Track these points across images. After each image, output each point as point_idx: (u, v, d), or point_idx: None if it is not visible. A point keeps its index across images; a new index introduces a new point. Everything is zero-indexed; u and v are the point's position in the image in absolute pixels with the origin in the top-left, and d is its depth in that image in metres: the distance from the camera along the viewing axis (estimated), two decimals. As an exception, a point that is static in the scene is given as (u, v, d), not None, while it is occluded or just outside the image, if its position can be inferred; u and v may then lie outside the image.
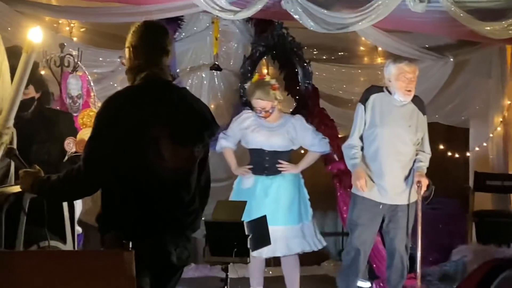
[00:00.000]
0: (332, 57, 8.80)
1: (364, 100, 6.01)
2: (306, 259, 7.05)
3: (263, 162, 6.33)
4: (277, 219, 6.17)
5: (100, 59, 7.55)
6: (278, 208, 6.29)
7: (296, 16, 6.48)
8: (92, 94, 6.37)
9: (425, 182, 5.92)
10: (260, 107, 6.21)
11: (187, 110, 3.54)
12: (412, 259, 7.90)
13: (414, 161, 6.04)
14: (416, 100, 6.14)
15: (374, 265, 6.97)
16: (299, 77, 7.08)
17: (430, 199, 8.39)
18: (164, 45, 3.64)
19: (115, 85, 7.51)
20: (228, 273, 4.33)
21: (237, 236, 4.22)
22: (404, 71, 5.99)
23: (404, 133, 5.97)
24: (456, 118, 9.53)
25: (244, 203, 4.39)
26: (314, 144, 6.37)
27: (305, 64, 7.13)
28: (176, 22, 7.28)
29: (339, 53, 8.85)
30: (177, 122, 3.47)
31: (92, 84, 6.37)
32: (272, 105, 6.18)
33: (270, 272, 8.24)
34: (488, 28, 7.00)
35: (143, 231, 3.45)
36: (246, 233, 4.21)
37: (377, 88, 6.21)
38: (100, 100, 7.19)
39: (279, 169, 6.27)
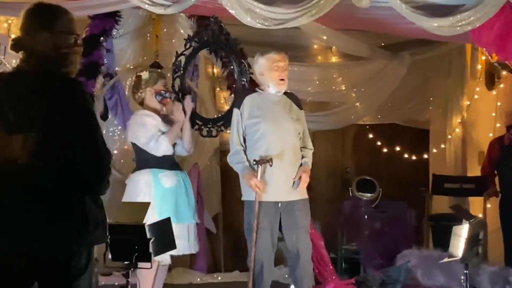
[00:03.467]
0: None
1: (238, 104, 5.81)
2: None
3: (171, 157, 6.10)
4: (191, 215, 6.06)
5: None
6: (191, 202, 6.11)
7: (232, 11, 6.21)
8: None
9: (306, 179, 5.67)
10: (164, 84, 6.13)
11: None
12: (357, 263, 7.75)
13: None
14: (290, 95, 6.00)
15: (317, 271, 6.72)
16: (235, 75, 6.82)
17: (377, 203, 8.30)
18: None
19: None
20: (129, 279, 4.09)
21: (139, 240, 3.99)
22: (275, 60, 5.88)
23: (289, 124, 5.76)
24: (415, 119, 9.34)
25: (148, 204, 4.15)
26: None
27: (242, 61, 6.86)
28: (113, 18, 7.02)
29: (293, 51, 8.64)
30: None
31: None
32: None
33: (219, 278, 8.03)
34: (436, 24, 6.72)
35: None
36: (148, 236, 3.97)
37: (248, 91, 6.10)
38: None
39: None
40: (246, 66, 6.81)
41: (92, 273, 3.29)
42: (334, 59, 8.88)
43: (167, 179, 5.97)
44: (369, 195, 8.32)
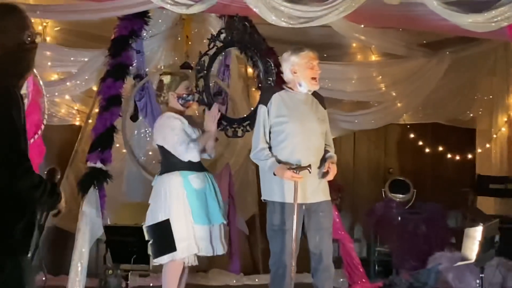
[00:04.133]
0: (324, 55, 8.45)
1: (265, 100, 5.65)
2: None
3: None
4: (221, 216, 5.98)
5: (72, 58, 7.39)
6: (220, 204, 6.04)
7: (256, 10, 6.14)
8: (43, 94, 6.12)
9: (334, 170, 5.52)
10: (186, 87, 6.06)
11: None
12: (387, 265, 7.59)
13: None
14: (316, 95, 5.80)
15: (347, 273, 6.60)
16: (261, 74, 6.73)
17: (411, 204, 8.11)
18: None
19: (83, 83, 7.37)
20: (128, 282, 4.04)
21: (137, 242, 3.95)
22: (310, 58, 5.68)
23: (316, 126, 5.61)
24: (459, 118, 9.11)
25: (148, 204, 4.10)
26: None
27: (268, 60, 6.76)
28: (141, 19, 7.02)
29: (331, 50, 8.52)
30: None
31: (42, 83, 6.12)
32: None
33: (256, 280, 7.96)
34: (470, 20, 6.53)
35: None
36: (146, 238, 3.92)
37: (277, 88, 5.92)
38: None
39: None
40: (272, 65, 6.71)
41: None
42: (373, 57, 8.70)
43: (198, 180, 5.92)
44: (401, 196, 8.14)
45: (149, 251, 3.77)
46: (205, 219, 5.86)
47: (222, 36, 6.59)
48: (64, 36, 7.73)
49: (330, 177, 5.57)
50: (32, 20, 7.30)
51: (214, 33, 6.75)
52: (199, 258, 6.19)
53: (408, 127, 9.32)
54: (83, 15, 6.80)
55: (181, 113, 6.04)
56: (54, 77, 7.66)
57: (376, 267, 7.94)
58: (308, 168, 5.36)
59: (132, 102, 7.36)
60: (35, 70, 6.15)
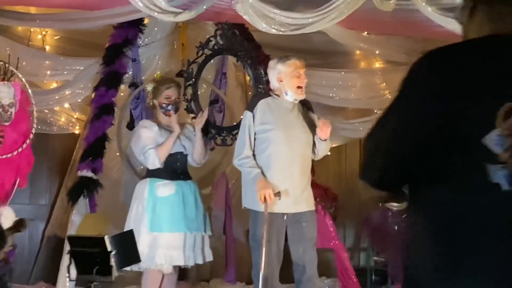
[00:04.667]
0: (326, 62, 8.36)
1: (251, 106, 5.57)
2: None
3: (177, 166, 5.98)
4: (185, 225, 5.88)
5: (67, 67, 7.38)
6: (188, 213, 5.93)
7: (246, 17, 6.11)
8: (32, 103, 6.13)
9: (325, 127, 5.44)
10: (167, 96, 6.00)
11: None
12: (385, 275, 7.47)
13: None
14: (304, 102, 5.75)
15: (341, 283, 6.51)
16: (252, 81, 6.67)
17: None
18: None
19: (81, 91, 7.36)
20: (92, 293, 4.01)
21: (100, 253, 3.91)
22: (297, 66, 5.59)
23: (302, 134, 5.52)
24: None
25: (103, 216, 4.07)
26: None
27: (257, 68, 6.70)
28: (136, 27, 7.00)
29: (334, 57, 8.43)
30: None
31: (30, 92, 6.13)
32: None
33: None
34: (466, 26, 6.42)
35: None
36: (109, 249, 3.89)
37: (264, 94, 5.85)
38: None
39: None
40: (262, 72, 6.65)
41: None
42: (377, 64, 8.59)
43: (164, 188, 5.87)
44: (397, 205, 7.97)
45: (112, 262, 3.74)
46: (173, 227, 5.81)
47: (211, 43, 6.54)
48: (63, 44, 7.72)
49: (323, 134, 5.48)
50: (32, 29, 7.53)
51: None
52: (200, 267, 6.13)
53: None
54: (76, 24, 6.81)
55: (159, 122, 6.00)
56: (54, 85, 7.67)
57: (373, 277, 7.82)
58: (279, 196, 5.32)
59: (129, 111, 7.34)
60: (23, 79, 6.19)
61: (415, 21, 6.61)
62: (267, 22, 6.16)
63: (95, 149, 6.68)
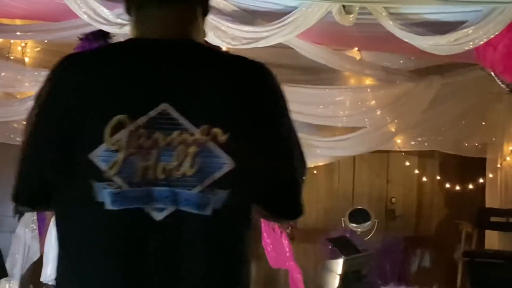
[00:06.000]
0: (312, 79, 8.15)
1: None
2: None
3: None
4: None
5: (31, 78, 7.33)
6: None
7: (196, 30, 5.99)
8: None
9: None
10: None
11: None
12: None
13: None
14: None
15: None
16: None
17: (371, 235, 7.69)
18: None
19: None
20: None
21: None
22: None
23: None
24: (463, 147, 8.59)
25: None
26: None
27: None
28: (101, 39, 6.94)
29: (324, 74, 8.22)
30: None
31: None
32: None
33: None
34: (431, 42, 6.19)
35: None
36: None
37: None
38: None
39: None
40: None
41: None
42: (368, 81, 8.34)
43: None
44: (356, 225, 7.69)
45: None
46: None
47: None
48: (43, 56, 7.74)
49: None
50: (12, 41, 7.57)
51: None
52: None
53: (409, 155, 8.82)
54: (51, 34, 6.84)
55: None
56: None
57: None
58: None
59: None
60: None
61: (380, 36, 6.39)
62: (218, 36, 6.02)
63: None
